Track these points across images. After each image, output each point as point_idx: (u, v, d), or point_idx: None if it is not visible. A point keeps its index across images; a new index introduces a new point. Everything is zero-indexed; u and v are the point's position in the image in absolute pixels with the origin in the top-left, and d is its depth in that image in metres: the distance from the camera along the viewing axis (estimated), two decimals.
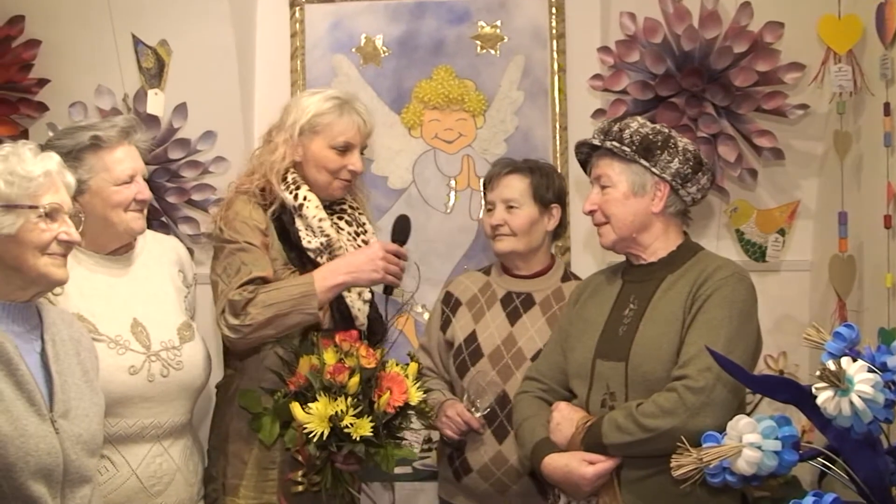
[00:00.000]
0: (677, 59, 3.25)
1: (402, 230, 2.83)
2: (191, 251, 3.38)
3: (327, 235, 2.73)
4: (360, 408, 2.52)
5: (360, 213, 2.91)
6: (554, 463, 2.47)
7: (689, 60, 3.24)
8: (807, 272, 3.46)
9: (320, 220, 2.73)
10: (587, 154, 2.60)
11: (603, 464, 2.40)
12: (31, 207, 2.04)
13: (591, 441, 2.41)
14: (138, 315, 2.57)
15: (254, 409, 2.69)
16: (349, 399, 2.51)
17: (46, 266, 2.07)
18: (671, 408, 2.30)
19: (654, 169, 2.46)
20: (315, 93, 2.83)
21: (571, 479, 2.42)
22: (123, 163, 2.55)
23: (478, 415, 2.84)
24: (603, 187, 2.52)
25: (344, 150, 2.78)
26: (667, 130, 2.52)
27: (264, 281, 2.63)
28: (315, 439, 2.50)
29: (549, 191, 2.97)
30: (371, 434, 2.51)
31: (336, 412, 2.49)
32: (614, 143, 2.48)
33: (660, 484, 2.33)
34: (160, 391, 2.53)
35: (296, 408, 2.54)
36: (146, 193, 2.60)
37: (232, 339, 2.62)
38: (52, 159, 2.11)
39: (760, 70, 3.19)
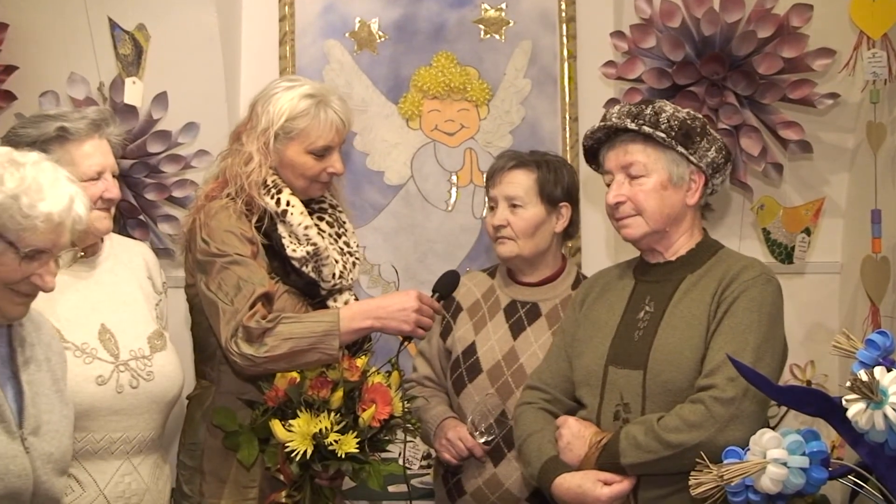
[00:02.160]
0: (697, 44, 3.25)
1: (447, 284, 2.83)
2: (170, 252, 3.38)
3: (314, 244, 2.71)
4: (343, 423, 2.50)
5: (339, 212, 2.90)
6: (566, 483, 2.43)
7: (709, 46, 3.23)
8: (836, 274, 3.45)
9: (306, 227, 2.70)
10: (598, 140, 2.55)
11: (619, 485, 2.38)
12: (10, 244, 1.97)
13: (607, 462, 2.38)
14: (106, 321, 2.55)
15: (229, 428, 2.67)
16: (332, 415, 2.50)
17: (2, 300, 2.01)
18: (698, 421, 2.29)
19: (692, 157, 2.44)
20: (289, 87, 2.77)
21: (585, 502, 2.40)
22: (91, 157, 2.53)
23: (481, 440, 2.81)
24: (633, 177, 2.47)
25: (322, 154, 2.77)
26: (701, 116, 2.50)
27: (268, 297, 2.61)
28: (297, 458, 2.49)
29: (558, 187, 2.92)
30: (357, 450, 2.50)
31: (320, 430, 2.48)
32: (648, 128, 2.43)
33: (680, 503, 2.32)
34: (129, 403, 2.52)
35: (276, 426, 2.52)
36: (114, 192, 2.57)
37: (241, 366, 2.59)
38: (65, 195, 1.99)
39: (787, 56, 3.18)
